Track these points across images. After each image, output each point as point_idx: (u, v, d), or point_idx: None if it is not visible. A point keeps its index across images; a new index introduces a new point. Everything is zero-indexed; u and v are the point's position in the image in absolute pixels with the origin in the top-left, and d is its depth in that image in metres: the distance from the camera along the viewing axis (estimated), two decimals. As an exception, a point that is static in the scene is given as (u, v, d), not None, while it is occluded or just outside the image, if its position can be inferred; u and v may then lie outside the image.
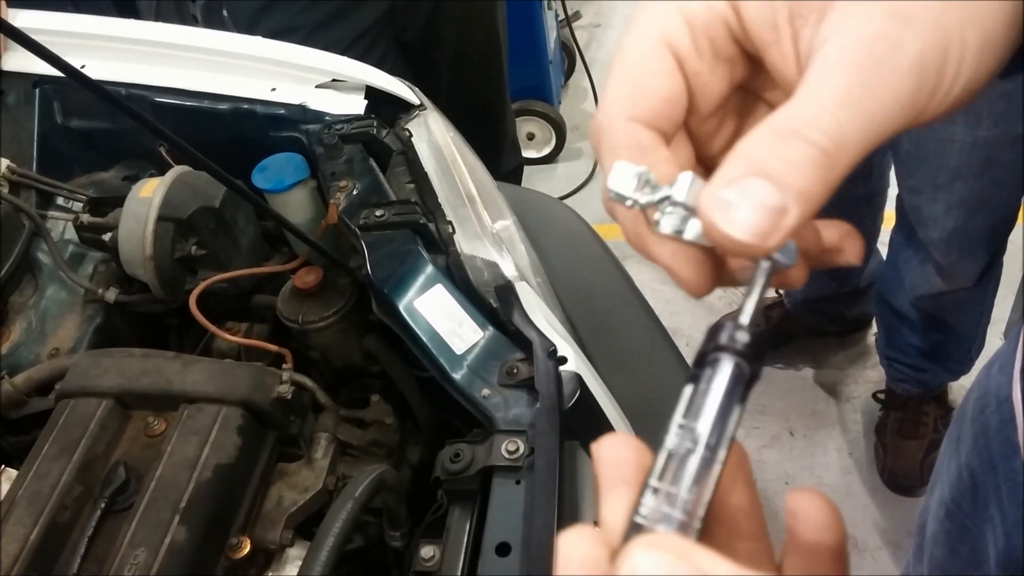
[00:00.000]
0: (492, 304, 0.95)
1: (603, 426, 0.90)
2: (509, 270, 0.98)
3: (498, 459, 0.80)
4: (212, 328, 0.99)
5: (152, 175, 1.12)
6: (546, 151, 2.81)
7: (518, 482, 0.79)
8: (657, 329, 1.35)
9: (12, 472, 0.94)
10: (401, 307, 0.91)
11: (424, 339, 0.88)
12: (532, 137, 2.79)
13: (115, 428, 0.94)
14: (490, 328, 0.91)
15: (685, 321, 2.28)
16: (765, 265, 0.31)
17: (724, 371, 0.29)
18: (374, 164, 1.08)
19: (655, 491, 0.28)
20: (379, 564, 1.07)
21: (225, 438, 0.91)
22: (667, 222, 0.31)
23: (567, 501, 0.81)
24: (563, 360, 0.89)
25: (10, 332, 1.09)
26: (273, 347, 1.01)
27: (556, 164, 2.85)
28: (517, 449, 0.80)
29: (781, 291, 2.17)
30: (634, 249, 0.34)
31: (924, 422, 1.97)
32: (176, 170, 1.07)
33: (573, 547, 0.27)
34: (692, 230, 0.31)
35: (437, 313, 0.91)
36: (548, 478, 0.74)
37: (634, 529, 0.27)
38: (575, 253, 1.48)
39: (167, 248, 1.03)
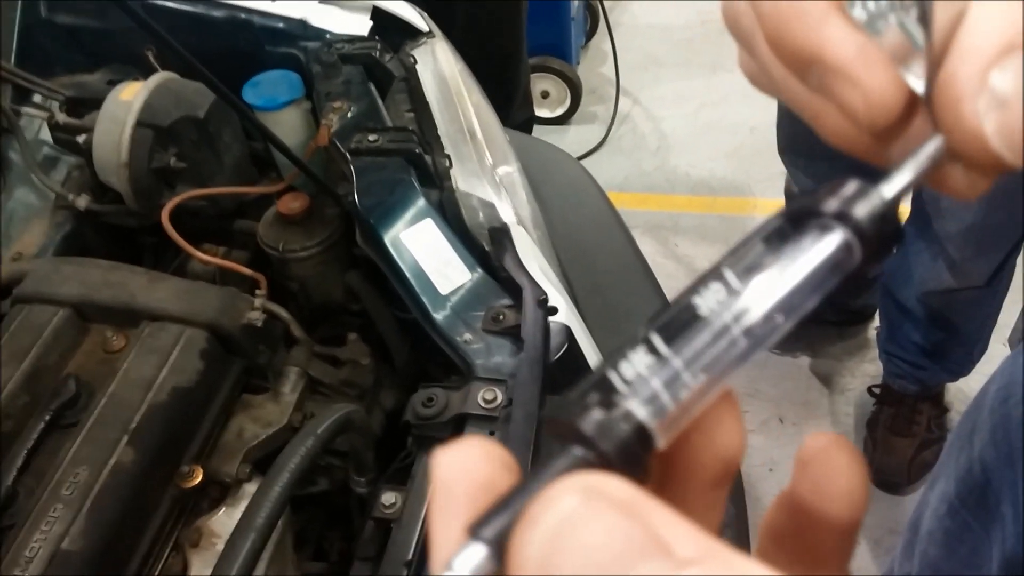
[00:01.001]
0: (484, 247, 0.88)
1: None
2: (506, 213, 0.91)
3: (473, 407, 0.75)
4: (183, 244, 0.93)
5: (136, 80, 1.05)
6: (560, 111, 2.72)
7: (492, 433, 0.73)
8: (657, 297, 1.29)
9: (-43, 376, 0.89)
10: (386, 238, 0.85)
11: (407, 274, 0.83)
12: (547, 95, 2.71)
13: (70, 340, 0.88)
14: (479, 271, 0.85)
15: (684, 298, 2.23)
16: (939, 142, 0.21)
17: (826, 243, 0.20)
18: (373, 88, 1.01)
19: (653, 351, 0.19)
20: (342, 511, 1.03)
21: (186, 360, 0.85)
22: (869, 8, 0.21)
23: (542, 457, 0.76)
24: (553, 311, 0.84)
25: (-28, 232, 1.03)
26: (247, 270, 0.95)
27: (568, 126, 2.77)
28: (495, 398, 0.75)
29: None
30: (777, 31, 0.23)
31: (917, 421, 1.94)
32: (160, 75, 1.00)
33: (453, 465, 0.19)
34: (912, 62, 0.21)
35: (424, 249, 0.85)
36: (524, 431, 0.69)
37: (601, 389, 0.19)
38: (580, 210, 1.41)
39: (144, 156, 0.97)
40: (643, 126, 2.76)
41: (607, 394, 0.18)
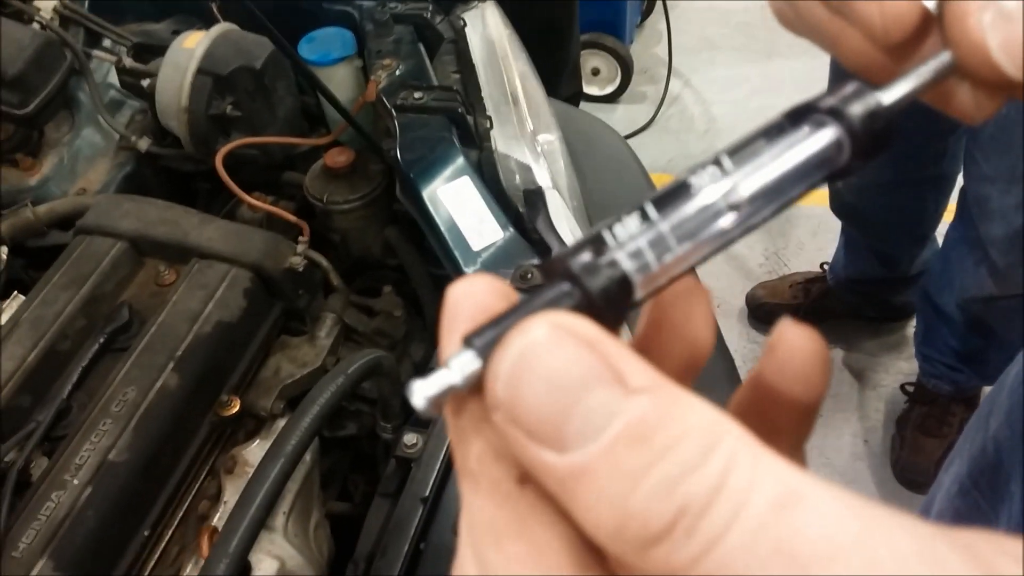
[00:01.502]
0: (518, 208, 0.91)
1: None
2: (542, 177, 0.94)
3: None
4: (234, 187, 0.98)
5: (199, 29, 1.10)
6: (609, 89, 2.73)
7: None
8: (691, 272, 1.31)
9: (22, 297, 0.95)
10: (424, 193, 0.88)
11: (442, 228, 0.86)
12: (597, 73, 2.71)
13: (126, 271, 0.94)
14: (511, 230, 0.88)
15: (720, 283, 2.23)
16: (946, 58, 0.23)
17: (817, 137, 0.21)
18: (422, 48, 1.04)
19: (645, 217, 0.21)
20: (368, 455, 1.07)
21: (231, 297, 0.90)
22: None
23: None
24: (581, 274, 0.86)
25: (41, 166, 1.09)
26: (292, 217, 1.00)
27: (617, 105, 2.77)
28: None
29: (825, 266, 2.10)
30: None
31: (949, 422, 1.91)
32: (222, 26, 1.05)
33: (460, 293, 0.21)
34: None
35: (460, 206, 0.89)
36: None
37: (595, 243, 0.21)
38: (619, 185, 1.43)
39: (203, 102, 1.02)
40: (692, 109, 2.75)
41: (599, 247, 0.21)
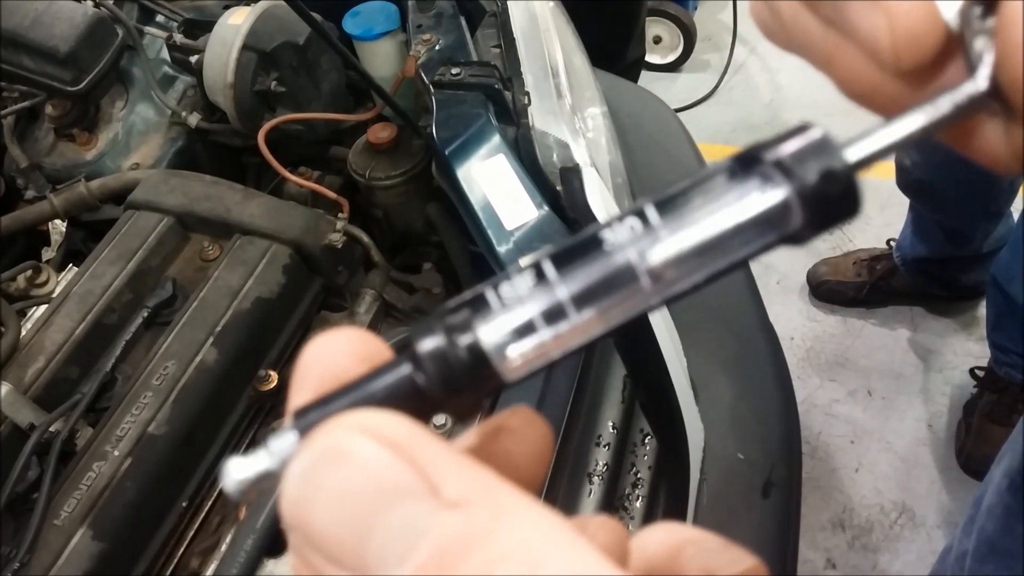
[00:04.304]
0: (555, 186, 0.90)
1: (645, 329, 0.85)
2: (579, 154, 0.92)
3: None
4: (276, 164, 0.98)
5: (247, 4, 1.10)
6: (671, 58, 2.66)
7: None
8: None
9: (76, 270, 0.98)
10: (459, 171, 0.87)
11: (476, 207, 0.85)
12: (659, 41, 2.64)
13: (172, 245, 0.96)
14: (546, 209, 0.86)
15: (781, 257, 2.17)
16: (973, 89, 0.18)
17: (761, 197, 0.17)
18: (463, 22, 1.03)
19: (540, 277, 0.17)
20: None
21: (270, 273, 0.92)
22: None
23: (588, 392, 0.79)
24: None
25: (97, 140, 1.12)
26: (331, 194, 1.00)
27: (678, 74, 2.70)
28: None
29: (891, 242, 2.02)
30: None
31: (1019, 410, 1.82)
32: (267, 1, 1.05)
33: (313, 352, 0.19)
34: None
35: (494, 184, 0.87)
36: (571, 361, 0.71)
37: (474, 307, 0.17)
38: (667, 162, 1.40)
39: (248, 78, 1.02)
40: (757, 77, 2.66)
41: (472, 314, 0.17)
